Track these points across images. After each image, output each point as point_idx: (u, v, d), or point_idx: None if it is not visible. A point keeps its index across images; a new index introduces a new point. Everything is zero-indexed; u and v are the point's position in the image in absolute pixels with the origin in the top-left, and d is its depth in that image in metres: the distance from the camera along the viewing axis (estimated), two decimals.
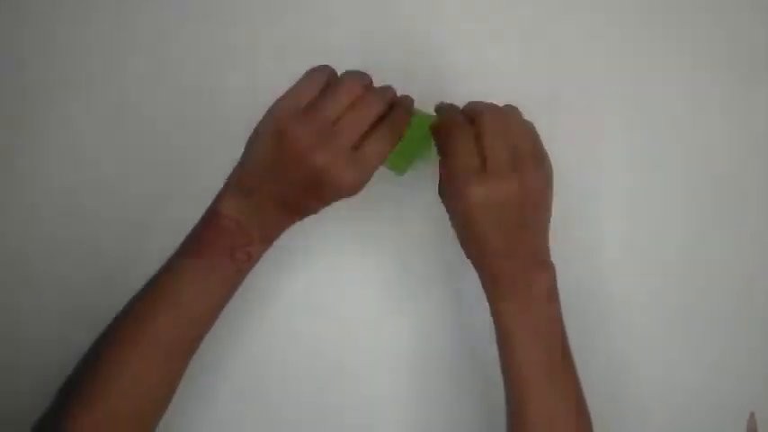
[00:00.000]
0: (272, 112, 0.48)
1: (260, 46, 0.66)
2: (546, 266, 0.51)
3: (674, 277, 0.66)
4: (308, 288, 0.65)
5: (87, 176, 0.65)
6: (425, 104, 0.56)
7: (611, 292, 0.66)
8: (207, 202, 0.58)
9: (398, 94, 0.53)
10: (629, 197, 0.66)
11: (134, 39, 0.66)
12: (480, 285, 0.53)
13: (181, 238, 0.55)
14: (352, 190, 0.49)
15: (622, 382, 0.65)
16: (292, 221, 0.53)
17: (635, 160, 0.66)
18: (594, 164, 0.66)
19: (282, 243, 0.58)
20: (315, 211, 0.52)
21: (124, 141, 0.65)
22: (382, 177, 0.63)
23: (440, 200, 0.52)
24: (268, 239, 0.52)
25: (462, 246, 0.51)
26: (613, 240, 0.66)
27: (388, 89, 0.50)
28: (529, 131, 0.50)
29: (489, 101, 0.52)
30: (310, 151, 0.46)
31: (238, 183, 0.51)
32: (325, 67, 0.50)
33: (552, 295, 0.51)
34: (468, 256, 0.52)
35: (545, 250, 0.52)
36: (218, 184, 0.56)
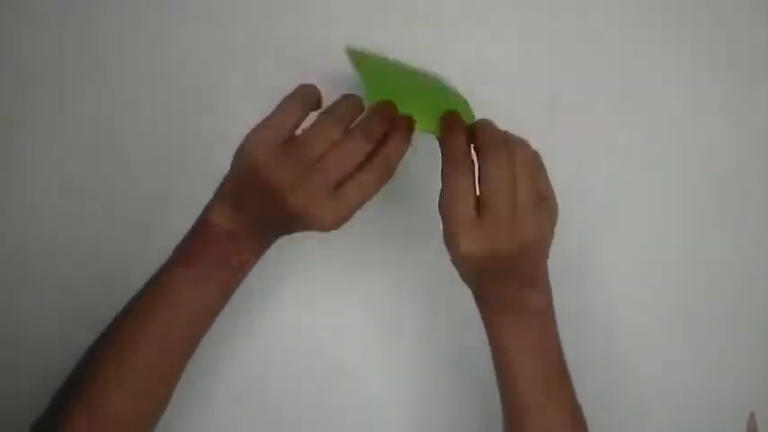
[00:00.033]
0: (246, 146, 0.45)
1: (260, 46, 0.66)
2: (542, 286, 0.49)
3: (674, 277, 0.66)
4: (307, 288, 0.65)
5: (87, 176, 0.65)
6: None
7: (612, 292, 0.66)
8: (206, 202, 0.58)
9: None
10: (629, 197, 0.66)
11: (134, 39, 0.66)
12: None
13: (180, 239, 0.55)
14: (330, 229, 0.46)
15: (622, 382, 0.65)
16: (280, 236, 0.51)
17: (635, 160, 0.66)
18: (595, 164, 0.66)
19: (282, 243, 0.58)
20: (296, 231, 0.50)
21: (124, 141, 0.65)
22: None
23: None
24: (258, 250, 0.51)
25: (453, 265, 0.49)
26: (613, 240, 0.66)
27: (383, 116, 0.46)
28: (535, 171, 0.46)
29: (497, 125, 0.48)
30: (286, 193, 0.43)
31: (227, 194, 0.49)
32: (307, 88, 0.46)
33: (547, 313, 0.49)
34: (461, 276, 0.49)
35: (541, 273, 0.49)
36: (217, 184, 0.57)
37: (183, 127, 0.65)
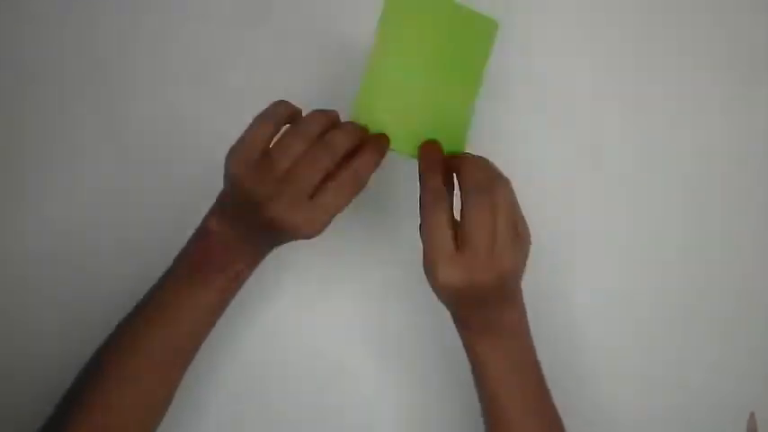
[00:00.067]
0: (227, 163, 0.48)
1: (259, 47, 0.66)
2: (514, 304, 0.51)
3: (674, 277, 0.66)
4: (307, 288, 0.65)
5: (86, 176, 0.65)
6: None
7: (612, 292, 0.66)
8: (207, 202, 0.58)
9: None
10: (630, 197, 0.66)
11: (135, 39, 0.66)
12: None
13: (180, 239, 0.55)
14: (310, 236, 0.48)
15: (623, 382, 0.65)
16: (272, 247, 0.53)
17: (635, 160, 0.66)
18: (595, 164, 0.66)
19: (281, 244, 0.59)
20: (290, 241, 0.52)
21: (124, 141, 0.65)
22: (384, 176, 0.63)
23: None
24: (252, 261, 0.53)
25: (430, 285, 0.49)
26: (614, 240, 0.66)
27: (348, 133, 0.48)
28: (513, 207, 0.48)
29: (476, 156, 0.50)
30: (264, 203, 0.46)
31: (223, 204, 0.51)
32: (278, 106, 0.49)
33: (523, 330, 0.51)
34: (438, 298, 0.50)
35: (515, 293, 0.51)
36: (217, 184, 0.57)
37: (183, 127, 0.65)
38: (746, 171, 0.67)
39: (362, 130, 0.50)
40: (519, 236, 0.48)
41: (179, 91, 0.65)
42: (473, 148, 0.53)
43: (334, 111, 0.50)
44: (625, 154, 0.66)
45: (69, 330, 0.62)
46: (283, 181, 0.46)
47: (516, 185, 0.60)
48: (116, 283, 0.63)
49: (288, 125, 0.49)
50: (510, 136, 0.66)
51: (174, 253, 0.53)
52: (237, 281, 0.53)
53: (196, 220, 0.53)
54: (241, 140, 0.47)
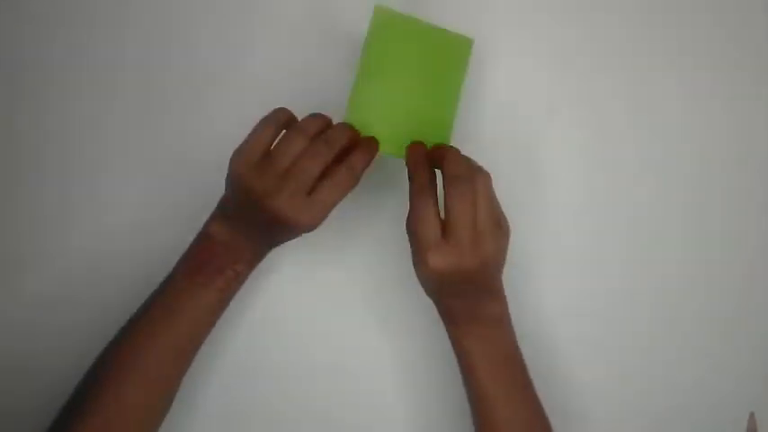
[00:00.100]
0: (231, 165, 0.52)
1: (257, 49, 0.66)
2: (497, 296, 0.55)
3: (675, 277, 0.66)
4: (307, 287, 0.65)
5: (86, 176, 0.65)
6: None
7: (612, 292, 0.66)
8: (207, 202, 0.58)
9: None
10: (630, 197, 0.66)
11: (134, 39, 0.66)
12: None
13: (182, 238, 0.56)
14: (309, 228, 0.52)
15: (623, 382, 0.65)
16: (273, 247, 0.57)
17: (634, 160, 0.66)
18: (595, 164, 0.66)
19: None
20: (290, 239, 0.56)
21: (125, 141, 0.65)
22: (385, 173, 0.63)
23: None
24: (251, 260, 0.56)
25: (419, 282, 0.54)
26: (614, 239, 0.66)
27: (343, 131, 0.52)
28: (492, 200, 0.52)
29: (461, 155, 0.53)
30: (266, 199, 0.50)
31: (224, 209, 0.55)
32: (278, 112, 0.52)
33: (504, 319, 0.55)
34: (425, 292, 0.54)
35: (497, 285, 0.55)
36: (218, 185, 0.57)
37: (183, 127, 0.65)
38: (747, 171, 0.67)
39: (355, 130, 0.54)
40: (499, 227, 0.52)
41: (179, 91, 0.65)
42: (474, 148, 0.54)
43: (327, 115, 0.54)
44: (624, 154, 0.66)
45: (78, 332, 0.62)
46: (283, 178, 0.50)
47: (516, 187, 0.61)
48: (115, 284, 0.63)
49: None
50: (510, 136, 0.66)
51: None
52: (237, 281, 0.56)
53: (194, 214, 0.54)
54: (245, 143, 0.52)
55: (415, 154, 0.54)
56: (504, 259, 0.54)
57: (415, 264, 0.52)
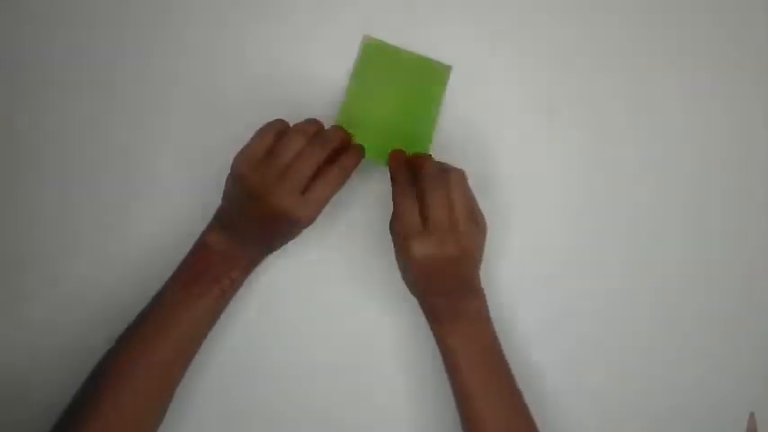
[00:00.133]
0: (233, 165, 0.56)
1: (257, 51, 0.66)
2: (478, 295, 0.58)
3: (675, 277, 0.66)
4: (307, 287, 0.65)
5: (85, 177, 0.65)
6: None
7: (612, 292, 0.66)
8: (207, 201, 0.59)
9: None
10: (630, 196, 0.66)
11: (134, 39, 0.66)
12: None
13: (182, 241, 0.57)
14: (305, 223, 0.56)
15: (623, 382, 0.65)
16: (267, 252, 0.60)
17: (635, 160, 0.66)
18: (595, 164, 0.66)
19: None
20: (284, 243, 0.60)
21: (124, 142, 0.65)
22: (380, 180, 0.63)
23: None
24: (248, 267, 0.60)
25: (403, 279, 0.58)
26: (614, 239, 0.66)
27: (335, 134, 0.57)
28: (466, 193, 0.55)
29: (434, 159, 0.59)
30: (264, 194, 0.54)
31: (221, 218, 0.58)
32: (276, 121, 0.57)
33: (482, 316, 0.58)
34: (410, 291, 0.58)
35: (476, 282, 0.58)
36: (218, 185, 0.58)
37: (183, 127, 0.65)
38: (747, 171, 0.67)
39: (347, 132, 0.59)
40: (476, 223, 0.56)
41: (180, 89, 0.65)
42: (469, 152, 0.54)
43: (320, 120, 0.58)
44: (624, 155, 0.66)
45: (78, 334, 0.63)
46: (282, 174, 0.54)
47: (517, 187, 0.61)
48: (115, 285, 0.63)
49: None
50: (510, 136, 0.66)
51: None
52: (232, 288, 0.59)
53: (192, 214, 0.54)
54: (247, 146, 0.56)
55: (396, 159, 0.60)
56: (481, 255, 0.57)
57: (399, 258, 0.56)
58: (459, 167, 0.56)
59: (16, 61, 0.65)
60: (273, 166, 0.54)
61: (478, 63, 0.66)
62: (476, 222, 0.56)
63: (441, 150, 0.64)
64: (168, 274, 0.58)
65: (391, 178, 0.58)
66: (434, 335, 0.58)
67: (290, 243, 0.60)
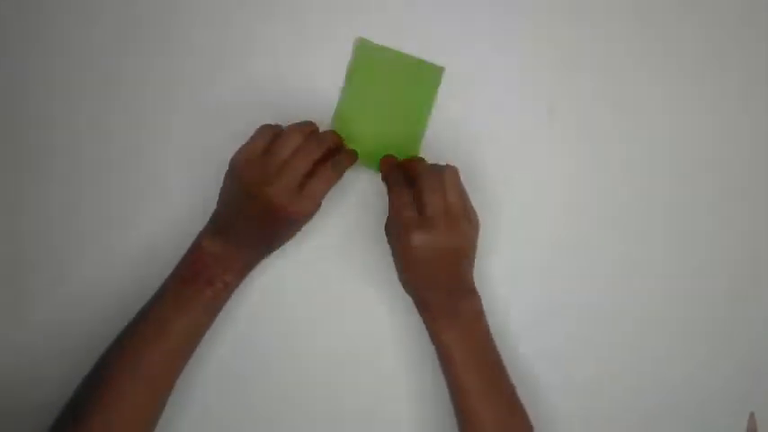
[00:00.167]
0: (232, 161, 0.58)
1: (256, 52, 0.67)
2: (472, 294, 0.59)
3: (675, 277, 0.66)
4: (306, 287, 0.65)
5: (88, 177, 0.65)
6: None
7: (612, 292, 0.66)
8: (207, 201, 0.59)
9: None
10: (630, 198, 0.66)
11: (134, 39, 0.66)
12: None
13: (182, 241, 0.58)
14: (301, 219, 0.57)
15: (623, 381, 0.65)
16: (263, 255, 0.61)
17: (635, 161, 0.66)
18: (595, 164, 0.66)
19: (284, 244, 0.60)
20: (282, 243, 0.61)
21: (125, 142, 0.65)
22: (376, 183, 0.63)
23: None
24: (243, 271, 0.60)
25: (400, 281, 0.59)
26: (615, 239, 0.66)
27: (328, 135, 0.60)
28: (460, 190, 0.57)
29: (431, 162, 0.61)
30: (262, 188, 0.55)
31: (216, 221, 0.59)
32: (272, 124, 0.59)
33: (479, 317, 0.59)
34: (406, 289, 0.59)
35: (470, 281, 0.60)
36: (217, 185, 0.58)
37: (183, 127, 0.66)
38: (747, 171, 0.67)
39: (340, 136, 0.61)
40: (469, 219, 0.57)
41: (180, 90, 0.65)
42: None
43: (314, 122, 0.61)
44: (625, 155, 0.66)
45: (78, 336, 0.63)
46: (280, 170, 0.56)
47: (516, 187, 0.63)
48: (114, 283, 0.64)
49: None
50: (509, 136, 0.66)
51: None
52: (226, 291, 0.59)
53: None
54: (245, 144, 0.58)
55: (387, 163, 0.62)
56: (474, 253, 0.59)
57: (396, 255, 0.57)
58: (452, 165, 0.57)
59: (19, 62, 0.65)
60: (270, 163, 0.56)
61: (477, 63, 0.66)
62: (468, 219, 0.57)
63: (440, 150, 0.64)
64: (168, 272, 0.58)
65: (385, 182, 0.60)
66: (429, 331, 0.59)
67: (289, 244, 0.60)
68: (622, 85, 0.66)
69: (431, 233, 0.55)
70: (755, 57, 0.67)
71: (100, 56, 0.65)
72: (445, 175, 0.56)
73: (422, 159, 0.62)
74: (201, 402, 0.63)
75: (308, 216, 0.58)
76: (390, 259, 0.58)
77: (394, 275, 0.58)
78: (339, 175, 0.58)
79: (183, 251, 0.59)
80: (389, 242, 0.58)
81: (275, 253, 0.61)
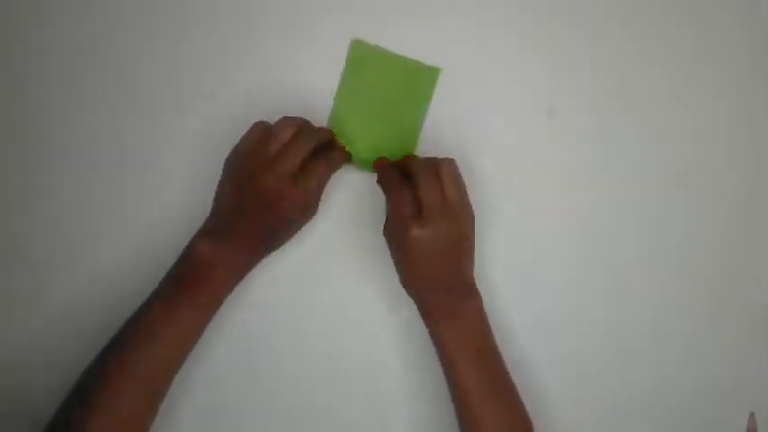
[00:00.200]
0: (227, 160, 0.59)
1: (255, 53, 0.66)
2: (473, 293, 0.59)
3: (675, 277, 0.66)
4: (307, 286, 0.65)
5: (85, 177, 0.65)
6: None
7: (612, 292, 0.66)
8: (206, 201, 0.59)
9: None
10: (630, 198, 0.66)
11: (135, 38, 0.66)
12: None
13: (180, 240, 0.57)
14: (296, 206, 0.58)
15: (623, 381, 0.65)
16: (262, 255, 0.60)
17: (635, 162, 0.66)
18: (595, 164, 0.66)
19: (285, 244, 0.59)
20: (281, 243, 0.60)
21: (126, 143, 0.65)
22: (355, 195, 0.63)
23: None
24: (241, 271, 0.59)
25: (400, 280, 0.58)
26: (615, 238, 0.66)
27: (321, 130, 0.61)
28: (456, 183, 0.57)
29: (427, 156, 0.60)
30: (258, 175, 0.56)
31: (211, 223, 0.59)
32: (264, 121, 0.59)
33: (480, 317, 0.59)
34: (407, 290, 0.59)
35: (471, 279, 0.60)
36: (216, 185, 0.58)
37: (181, 128, 0.65)
38: (747, 171, 0.67)
39: (333, 133, 0.63)
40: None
41: (180, 89, 0.66)
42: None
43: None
44: (625, 156, 0.66)
45: (78, 337, 0.63)
46: (271, 164, 0.57)
47: (516, 187, 0.63)
48: (113, 282, 0.64)
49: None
50: (509, 136, 0.66)
51: None
52: (222, 291, 0.59)
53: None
54: (241, 139, 0.59)
55: (381, 165, 0.62)
56: (472, 250, 0.59)
57: (395, 253, 0.57)
58: (449, 157, 0.58)
59: (18, 63, 0.65)
60: (263, 155, 0.57)
61: (477, 63, 0.66)
62: (466, 211, 0.58)
63: (440, 150, 0.64)
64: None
65: (380, 183, 0.60)
66: (430, 332, 0.59)
67: (289, 243, 0.60)
68: (622, 85, 0.66)
69: (430, 227, 0.55)
70: (756, 57, 0.67)
71: (109, 58, 0.65)
72: (442, 168, 0.57)
73: (414, 155, 0.62)
74: (201, 402, 0.63)
75: (305, 212, 0.58)
76: (390, 259, 0.58)
77: (393, 275, 0.58)
78: (332, 169, 0.60)
79: (178, 251, 0.58)
80: (389, 243, 0.58)
81: (275, 253, 0.60)
